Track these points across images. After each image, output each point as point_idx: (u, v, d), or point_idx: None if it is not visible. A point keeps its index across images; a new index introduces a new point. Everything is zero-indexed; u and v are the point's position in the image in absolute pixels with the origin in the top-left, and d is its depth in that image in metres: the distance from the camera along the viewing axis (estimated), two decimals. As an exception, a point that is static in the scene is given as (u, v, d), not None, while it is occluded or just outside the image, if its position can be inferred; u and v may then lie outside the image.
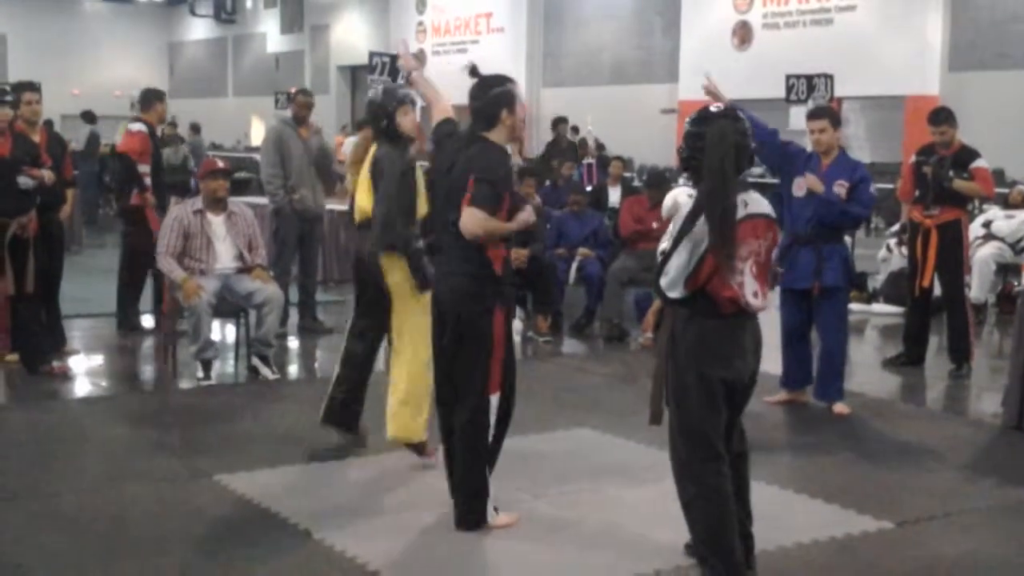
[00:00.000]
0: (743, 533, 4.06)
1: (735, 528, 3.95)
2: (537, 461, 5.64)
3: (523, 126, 4.71)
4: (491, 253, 4.50)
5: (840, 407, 6.82)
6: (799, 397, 6.95)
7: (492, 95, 4.55)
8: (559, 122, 16.82)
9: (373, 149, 5.50)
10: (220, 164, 7.84)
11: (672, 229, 3.96)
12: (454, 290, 4.53)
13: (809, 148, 6.86)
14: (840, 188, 6.61)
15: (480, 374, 4.50)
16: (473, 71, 4.70)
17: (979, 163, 7.85)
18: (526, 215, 4.59)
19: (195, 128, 23.23)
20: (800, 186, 6.65)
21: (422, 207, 5.44)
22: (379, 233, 5.31)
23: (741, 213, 3.85)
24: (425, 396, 5.33)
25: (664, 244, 3.99)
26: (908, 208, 8.25)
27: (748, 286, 3.86)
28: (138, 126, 8.81)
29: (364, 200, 5.47)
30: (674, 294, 3.89)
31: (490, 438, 4.58)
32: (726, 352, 3.90)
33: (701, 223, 3.81)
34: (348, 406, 5.75)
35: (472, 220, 4.37)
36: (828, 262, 6.66)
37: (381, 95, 5.58)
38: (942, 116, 7.95)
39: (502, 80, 4.63)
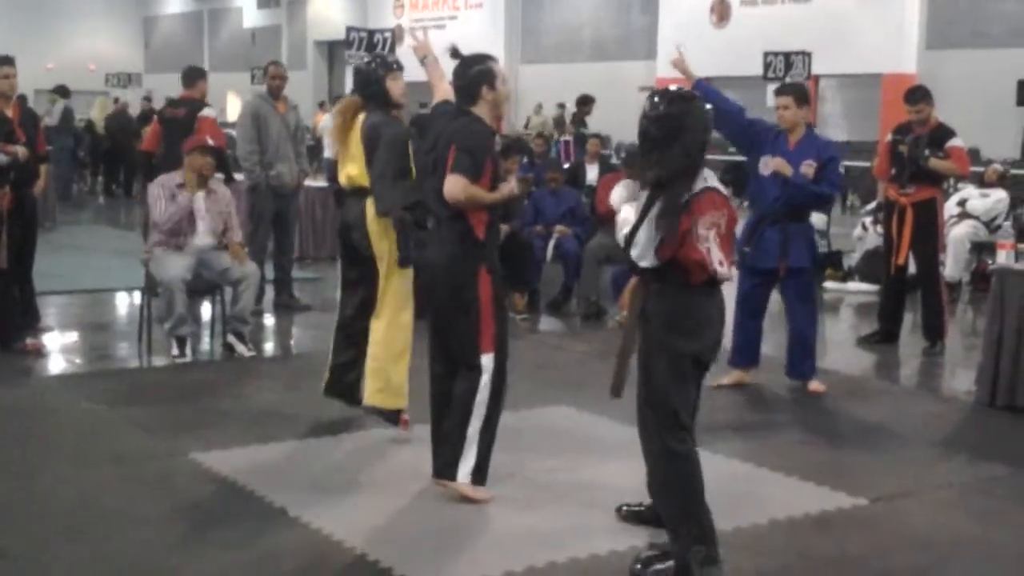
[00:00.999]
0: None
1: (703, 494, 4.00)
2: (514, 438, 5.63)
3: (508, 102, 4.80)
4: (473, 219, 4.66)
5: (815, 385, 6.84)
6: (745, 379, 6.90)
7: (472, 72, 4.71)
8: (585, 101, 16.51)
9: (362, 117, 5.48)
10: (209, 142, 7.78)
11: (635, 204, 4.03)
12: (439, 257, 4.72)
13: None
14: (808, 168, 6.56)
15: (472, 334, 4.67)
16: (455, 53, 4.88)
17: (955, 142, 7.88)
18: (510, 187, 4.77)
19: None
20: (767, 165, 6.64)
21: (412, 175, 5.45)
22: (375, 198, 5.36)
23: (702, 185, 3.94)
24: (398, 363, 5.44)
25: (623, 215, 4.11)
26: (884, 186, 8.29)
27: (714, 254, 3.91)
28: (210, 112, 9.33)
29: (354, 168, 5.48)
30: (645, 263, 3.95)
31: (481, 399, 4.69)
32: (695, 324, 3.98)
33: (669, 197, 3.89)
34: (347, 375, 5.79)
35: (453, 186, 4.56)
36: (794, 242, 6.64)
37: (370, 61, 5.68)
38: (918, 95, 7.97)
39: (483, 59, 4.78)
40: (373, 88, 5.47)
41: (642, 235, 3.94)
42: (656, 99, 3.98)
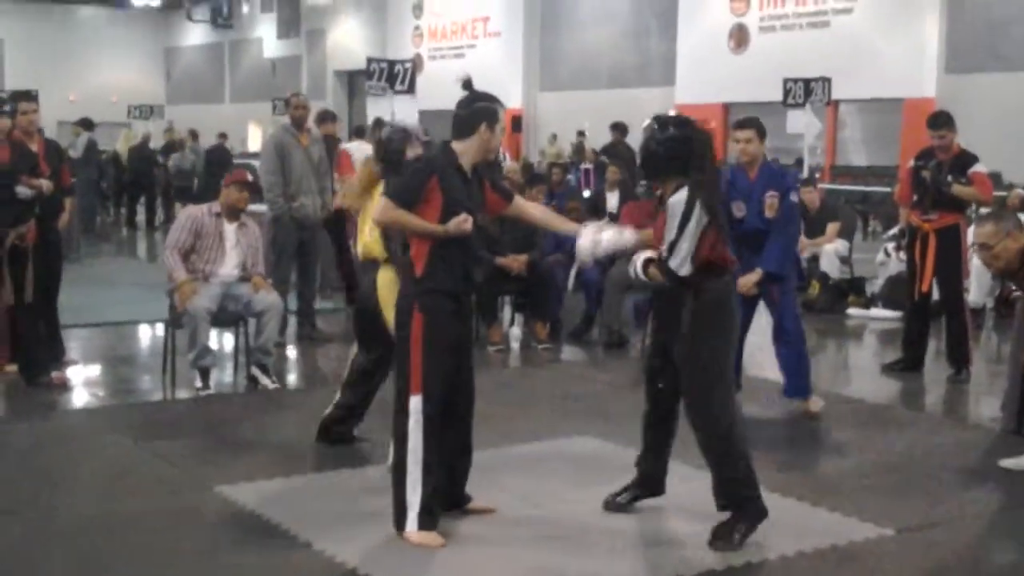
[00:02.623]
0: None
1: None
2: (537, 469, 5.64)
3: (500, 147, 4.84)
4: (413, 253, 4.57)
5: (813, 402, 6.91)
6: None
7: (478, 107, 4.65)
8: (616, 127, 16.55)
9: (380, 185, 5.48)
10: (249, 177, 7.86)
11: (668, 224, 4.54)
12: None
13: (732, 157, 6.90)
14: (772, 199, 6.68)
15: (403, 374, 4.57)
16: (467, 84, 4.78)
17: (978, 168, 7.85)
18: (460, 221, 4.50)
19: (193, 135, 23.23)
20: (739, 208, 6.71)
21: None
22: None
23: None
24: None
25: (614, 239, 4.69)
26: (906, 212, 8.25)
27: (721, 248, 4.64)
28: (347, 146, 10.23)
29: (367, 237, 5.56)
30: (685, 271, 4.50)
31: (414, 444, 4.51)
32: (732, 305, 4.68)
33: (697, 208, 4.47)
34: (342, 423, 5.93)
35: (378, 208, 4.61)
36: (769, 251, 6.69)
37: (393, 134, 5.63)
38: (941, 120, 7.95)
39: (491, 99, 4.71)
40: (391, 157, 5.47)
41: (684, 245, 4.47)
42: (659, 125, 4.60)
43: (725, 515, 4.63)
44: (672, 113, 4.64)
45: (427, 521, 4.54)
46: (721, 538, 4.55)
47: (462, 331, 4.70)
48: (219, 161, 18.08)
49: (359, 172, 5.81)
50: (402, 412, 4.54)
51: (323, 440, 5.98)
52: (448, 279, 4.58)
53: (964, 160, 7.87)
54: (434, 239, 4.52)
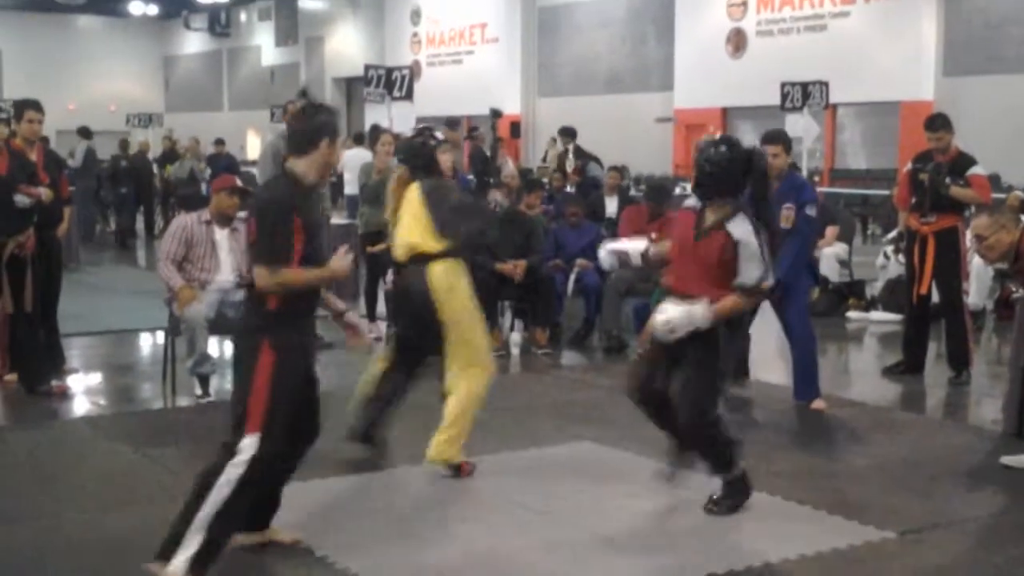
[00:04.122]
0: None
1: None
2: (538, 475, 5.63)
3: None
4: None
5: (818, 403, 7.08)
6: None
7: (318, 120, 4.30)
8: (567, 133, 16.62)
9: (414, 186, 5.62)
10: (238, 182, 7.88)
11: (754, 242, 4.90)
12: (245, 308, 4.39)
13: None
14: (788, 211, 6.91)
15: (242, 406, 4.18)
16: (303, 93, 4.68)
17: (976, 170, 7.86)
18: (344, 260, 4.37)
19: (195, 143, 23.21)
20: None
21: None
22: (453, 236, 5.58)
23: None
24: (470, 421, 5.52)
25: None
26: (905, 215, 8.25)
27: None
28: None
29: (414, 235, 5.58)
30: (771, 280, 5.00)
31: (224, 486, 4.08)
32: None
33: (743, 218, 4.91)
34: (375, 427, 5.81)
35: (263, 281, 4.15)
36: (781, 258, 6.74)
37: (420, 137, 5.80)
38: (939, 122, 7.96)
39: (330, 111, 4.41)
40: (424, 160, 5.67)
41: (767, 255, 4.89)
42: (716, 147, 4.95)
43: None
44: (716, 133, 4.83)
45: (198, 570, 4.01)
46: (714, 504, 5.03)
47: (311, 362, 4.44)
48: (227, 168, 18.00)
49: (390, 188, 5.84)
50: (227, 447, 4.15)
51: (359, 442, 5.85)
52: (300, 310, 4.31)
53: (962, 162, 7.87)
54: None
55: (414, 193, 5.60)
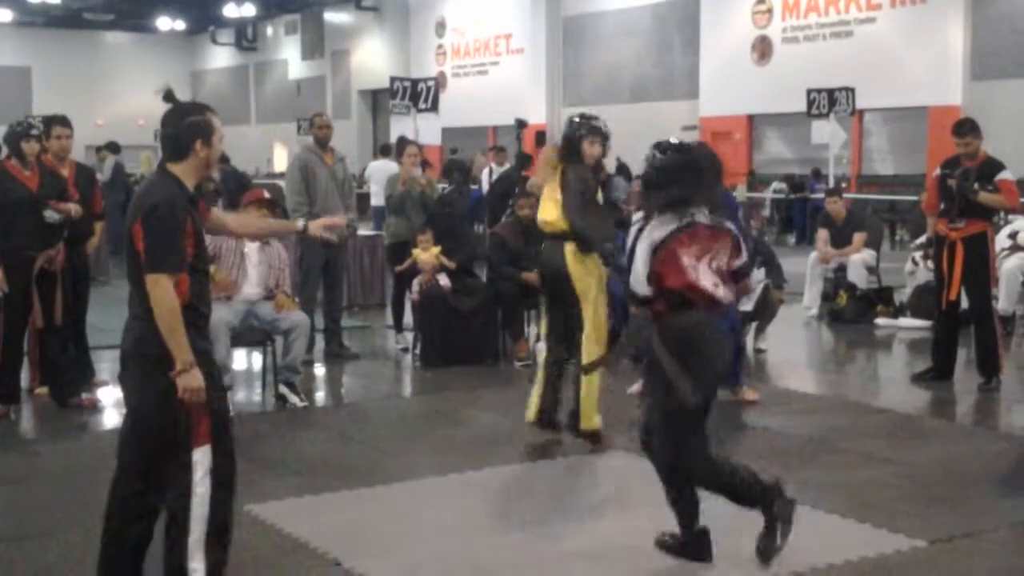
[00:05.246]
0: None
1: (738, 474, 4.53)
2: (568, 486, 5.63)
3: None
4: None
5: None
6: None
7: (187, 123, 4.00)
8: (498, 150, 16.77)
9: (561, 169, 6.30)
10: (266, 195, 7.93)
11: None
12: (128, 333, 4.01)
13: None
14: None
15: (175, 427, 3.94)
16: (168, 96, 4.54)
17: (1004, 175, 7.81)
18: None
19: (223, 159, 23.36)
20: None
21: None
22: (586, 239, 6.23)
23: (688, 220, 4.41)
24: (599, 387, 6.27)
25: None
26: (933, 221, 8.20)
27: (705, 276, 4.38)
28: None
29: (552, 214, 6.25)
30: (643, 291, 4.42)
31: (200, 499, 3.95)
32: (704, 344, 4.41)
33: (651, 225, 4.43)
34: (556, 411, 6.38)
35: (158, 303, 3.82)
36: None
37: (576, 124, 6.45)
38: (967, 127, 7.91)
39: (200, 109, 4.10)
40: (572, 147, 6.32)
41: (638, 265, 4.41)
42: (658, 151, 4.54)
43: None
44: (673, 140, 4.67)
45: None
46: (763, 551, 4.49)
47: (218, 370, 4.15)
48: (238, 186, 17.99)
49: (544, 152, 6.64)
50: (185, 466, 3.93)
51: (541, 425, 6.37)
52: (201, 315, 4.06)
53: (990, 167, 7.83)
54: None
55: (559, 176, 6.26)
